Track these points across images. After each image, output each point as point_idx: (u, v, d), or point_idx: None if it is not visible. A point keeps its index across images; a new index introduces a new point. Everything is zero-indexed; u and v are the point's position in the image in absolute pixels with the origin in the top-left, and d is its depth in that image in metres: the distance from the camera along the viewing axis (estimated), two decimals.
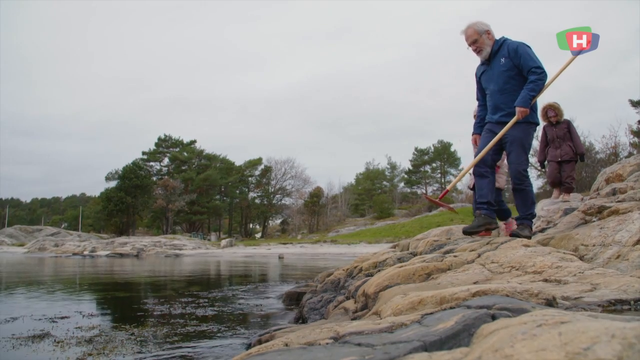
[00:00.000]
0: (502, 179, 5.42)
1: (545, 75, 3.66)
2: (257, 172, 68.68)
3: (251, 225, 71.95)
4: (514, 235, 3.86)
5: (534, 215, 4.02)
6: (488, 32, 3.89)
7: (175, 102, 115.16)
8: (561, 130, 7.09)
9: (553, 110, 7.01)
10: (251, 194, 68.68)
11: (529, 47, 3.82)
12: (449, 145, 68.57)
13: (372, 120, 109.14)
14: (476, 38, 3.91)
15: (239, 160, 71.51)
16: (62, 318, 4.55)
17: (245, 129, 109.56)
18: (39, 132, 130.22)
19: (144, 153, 67.32)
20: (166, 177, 62.88)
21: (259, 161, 67.97)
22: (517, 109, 3.66)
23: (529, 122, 3.80)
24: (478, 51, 3.93)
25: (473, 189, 5.93)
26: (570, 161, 7.06)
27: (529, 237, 3.84)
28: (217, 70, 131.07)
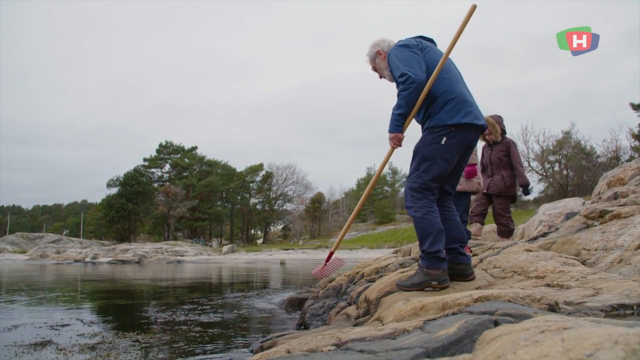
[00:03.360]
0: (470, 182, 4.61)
1: (411, 80, 2.76)
2: (258, 178, 68.78)
3: (252, 231, 71.93)
4: (398, 285, 2.90)
5: (434, 255, 2.75)
6: (379, 52, 3.15)
7: (170, 109, 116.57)
8: (497, 153, 5.49)
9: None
10: (252, 200, 68.75)
11: (400, 48, 2.98)
12: None
13: (365, 125, 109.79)
14: (373, 65, 3.22)
15: (240, 166, 71.70)
16: (64, 325, 4.54)
17: (238, 135, 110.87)
18: (36, 139, 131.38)
19: (145, 159, 67.46)
20: (167, 183, 62.94)
21: (260, 167, 68.08)
22: (388, 136, 2.94)
23: (429, 128, 2.87)
24: (381, 77, 3.23)
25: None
26: (501, 196, 5.45)
27: (413, 288, 2.77)
28: (210, 77, 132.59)
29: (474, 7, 2.88)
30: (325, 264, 3.75)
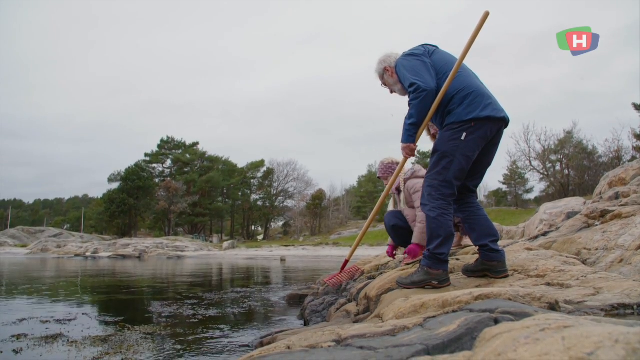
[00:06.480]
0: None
1: (421, 89, 2.73)
2: (259, 174, 68.79)
3: (253, 228, 72.02)
4: (397, 282, 2.91)
5: (438, 257, 2.74)
6: (386, 69, 3.10)
7: (166, 105, 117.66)
8: None
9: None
10: (253, 196, 68.79)
11: (407, 57, 2.95)
12: None
13: (358, 124, 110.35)
14: (382, 82, 3.19)
15: (241, 162, 71.84)
16: (70, 320, 4.56)
17: (230, 133, 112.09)
18: (35, 134, 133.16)
19: (146, 155, 67.53)
20: (168, 178, 62.99)
21: (261, 163, 68.10)
22: (401, 146, 2.91)
23: (449, 124, 2.80)
24: (392, 92, 3.20)
25: None
26: None
27: (413, 286, 2.76)
28: (206, 74, 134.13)
29: (487, 14, 2.86)
30: (340, 272, 3.71)
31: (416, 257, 3.71)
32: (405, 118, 2.84)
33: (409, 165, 4.25)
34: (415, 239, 3.80)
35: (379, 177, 4.38)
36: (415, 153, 2.97)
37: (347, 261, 3.65)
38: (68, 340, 3.55)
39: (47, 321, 4.47)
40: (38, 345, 3.41)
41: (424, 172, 4.14)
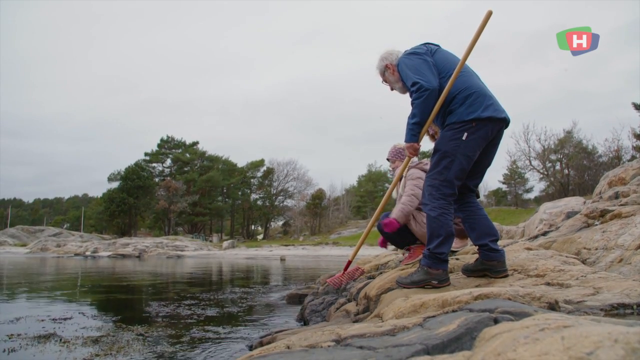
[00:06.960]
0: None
1: (423, 88, 2.72)
2: (259, 174, 68.82)
3: (253, 227, 72.04)
4: (397, 282, 2.92)
5: (438, 257, 2.74)
6: (387, 67, 3.09)
7: (165, 104, 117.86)
8: None
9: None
10: (253, 196, 68.82)
11: (409, 56, 2.94)
12: None
13: (356, 123, 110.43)
14: (383, 79, 3.18)
15: (240, 161, 71.92)
16: (66, 319, 4.55)
17: (228, 132, 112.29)
18: (34, 133, 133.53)
19: (146, 154, 67.58)
20: (168, 178, 63.02)
21: (261, 163, 68.13)
22: (404, 145, 2.95)
23: (450, 124, 2.80)
24: (392, 90, 3.19)
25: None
26: None
27: (413, 286, 2.77)
28: (205, 73, 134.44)
29: (490, 13, 2.84)
30: (342, 272, 3.71)
31: (392, 229, 3.66)
32: (409, 117, 2.84)
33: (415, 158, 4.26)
34: (393, 214, 3.68)
35: (387, 159, 4.36)
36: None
37: (349, 262, 3.65)
38: (61, 340, 3.52)
39: (43, 320, 4.46)
40: (31, 345, 3.39)
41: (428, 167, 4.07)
